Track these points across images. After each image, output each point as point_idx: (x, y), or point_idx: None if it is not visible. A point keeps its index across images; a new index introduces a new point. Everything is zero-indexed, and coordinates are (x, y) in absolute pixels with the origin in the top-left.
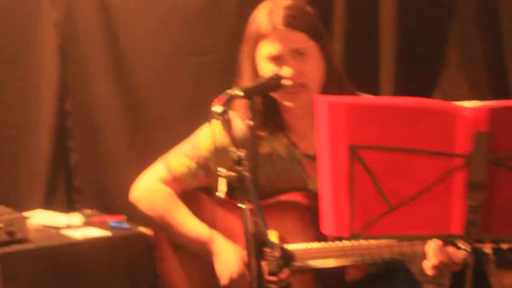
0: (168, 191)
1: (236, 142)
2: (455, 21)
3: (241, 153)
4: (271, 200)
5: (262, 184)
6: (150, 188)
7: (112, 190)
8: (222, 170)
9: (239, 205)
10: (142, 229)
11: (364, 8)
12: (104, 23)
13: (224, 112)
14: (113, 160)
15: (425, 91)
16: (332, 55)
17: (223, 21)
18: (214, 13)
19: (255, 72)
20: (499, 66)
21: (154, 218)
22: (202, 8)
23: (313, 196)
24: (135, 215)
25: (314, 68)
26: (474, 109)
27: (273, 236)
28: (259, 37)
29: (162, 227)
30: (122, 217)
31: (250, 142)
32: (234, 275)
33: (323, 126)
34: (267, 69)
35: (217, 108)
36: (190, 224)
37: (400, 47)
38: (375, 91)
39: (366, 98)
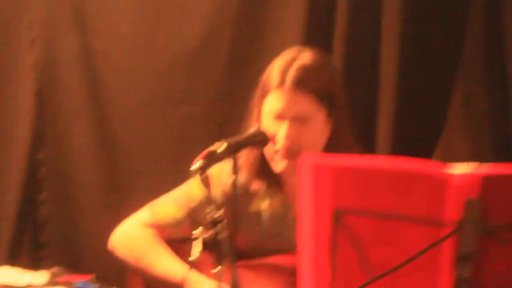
0: (150, 232)
1: (213, 201)
2: (461, 79)
3: (218, 214)
4: (255, 262)
5: (247, 244)
6: (131, 232)
7: (83, 247)
8: (197, 231)
9: (213, 270)
10: None
11: (364, 62)
12: (86, 69)
13: (203, 169)
14: (86, 216)
15: (426, 148)
16: (342, 122)
17: (212, 71)
18: (203, 62)
19: (259, 121)
20: (504, 128)
21: (131, 263)
22: (189, 56)
23: None
24: (105, 274)
25: (313, 136)
26: (466, 175)
27: None
28: (267, 89)
29: (139, 270)
30: (90, 277)
31: (233, 197)
32: None
33: (306, 188)
34: (268, 125)
35: (195, 164)
36: (167, 264)
37: (401, 103)
38: (371, 148)
39: (354, 159)
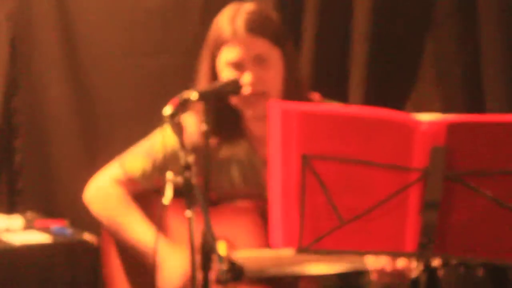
0: (122, 193)
1: (185, 147)
2: (433, 35)
3: (190, 158)
4: (225, 206)
5: (218, 189)
6: (105, 189)
7: (57, 194)
8: (169, 175)
9: (186, 213)
10: (86, 236)
11: (337, 17)
12: (60, 19)
13: (174, 115)
14: (61, 163)
15: (397, 104)
16: (294, 62)
17: (185, 22)
18: (176, 13)
19: (213, 78)
20: (476, 84)
21: (103, 221)
22: (163, 8)
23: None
24: (80, 220)
25: (275, 75)
26: (432, 123)
27: (222, 247)
28: (221, 43)
29: (110, 230)
30: (65, 222)
31: (204, 147)
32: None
33: (276, 133)
34: (227, 76)
35: (167, 110)
36: (138, 231)
37: (373, 58)
38: (344, 101)
39: (322, 106)
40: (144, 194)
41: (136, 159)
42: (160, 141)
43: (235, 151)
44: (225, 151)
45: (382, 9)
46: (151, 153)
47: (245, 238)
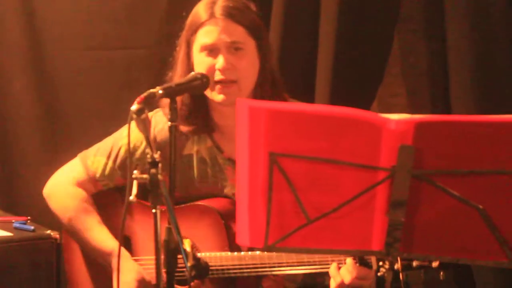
0: (81, 195)
1: (151, 143)
2: (399, 30)
3: (156, 155)
4: (185, 205)
5: (179, 187)
6: (65, 189)
7: (19, 190)
8: (135, 173)
9: (152, 210)
10: (48, 232)
11: (304, 12)
12: (24, 11)
13: (140, 111)
14: (23, 159)
15: (364, 101)
16: (269, 55)
17: (151, 16)
18: (142, 7)
19: (189, 66)
20: (442, 79)
21: (62, 220)
22: (129, 1)
23: (229, 202)
24: (42, 217)
25: (248, 66)
26: (399, 121)
27: (187, 244)
28: (197, 26)
29: (69, 230)
30: (27, 218)
31: (170, 143)
32: None
33: (244, 131)
34: (201, 61)
35: (133, 106)
36: (96, 234)
37: (340, 54)
38: (310, 99)
39: (291, 104)
40: (106, 193)
41: (98, 157)
42: (124, 139)
43: (199, 148)
44: (189, 148)
45: (349, 5)
46: (113, 151)
47: (204, 238)
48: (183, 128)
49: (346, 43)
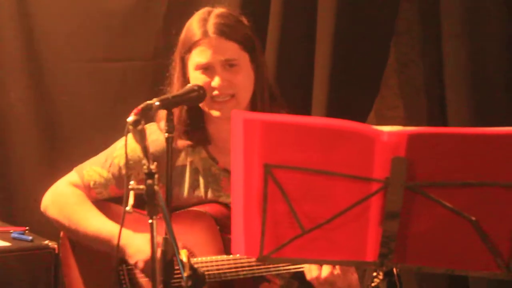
0: (78, 192)
1: (148, 155)
2: (396, 42)
3: (152, 166)
4: (179, 211)
5: (174, 199)
6: (60, 191)
7: (17, 201)
8: (132, 183)
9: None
10: (47, 242)
11: (301, 23)
12: (21, 22)
13: (137, 123)
14: (21, 170)
15: (361, 113)
16: (263, 67)
17: (147, 27)
18: (139, 19)
19: (185, 82)
20: (438, 92)
21: (61, 222)
22: (126, 13)
23: (224, 207)
24: (40, 227)
25: (244, 79)
26: (392, 133)
27: (183, 254)
28: (191, 45)
29: (69, 230)
30: (25, 229)
31: (167, 155)
32: (149, 258)
33: (238, 142)
34: (197, 78)
35: (130, 118)
36: (97, 221)
37: (337, 65)
38: (307, 111)
39: (285, 116)
40: (101, 205)
41: (94, 167)
42: (117, 150)
43: (193, 159)
44: (182, 160)
45: (346, 17)
46: (109, 162)
47: (199, 243)
48: (181, 143)
49: (343, 55)
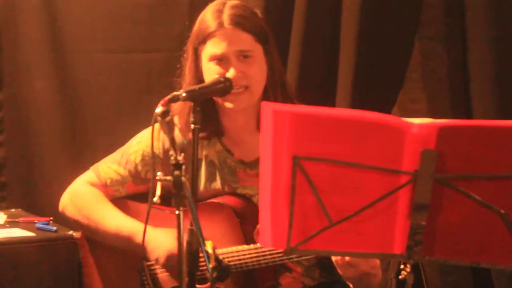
0: (96, 192)
1: (175, 146)
2: (420, 35)
3: (180, 157)
4: (198, 203)
5: None
6: (77, 190)
7: (41, 191)
8: (159, 174)
9: (176, 211)
10: (71, 232)
11: (325, 18)
12: (46, 13)
13: (165, 114)
14: (45, 159)
15: (385, 106)
16: (276, 59)
17: (172, 18)
18: (163, 10)
19: (198, 73)
20: (463, 84)
21: (81, 221)
22: (150, 4)
23: (242, 199)
24: (64, 218)
25: (258, 71)
26: (422, 126)
27: (208, 246)
28: (206, 36)
29: (89, 229)
30: (50, 219)
31: (193, 145)
32: (170, 252)
33: (267, 134)
34: (211, 70)
35: (158, 109)
36: (117, 219)
37: (360, 59)
38: (331, 103)
39: (314, 108)
40: (118, 202)
41: (110, 164)
42: (135, 147)
43: (208, 152)
44: (202, 150)
45: (371, 10)
46: (124, 159)
47: (220, 234)
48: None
49: (367, 48)
